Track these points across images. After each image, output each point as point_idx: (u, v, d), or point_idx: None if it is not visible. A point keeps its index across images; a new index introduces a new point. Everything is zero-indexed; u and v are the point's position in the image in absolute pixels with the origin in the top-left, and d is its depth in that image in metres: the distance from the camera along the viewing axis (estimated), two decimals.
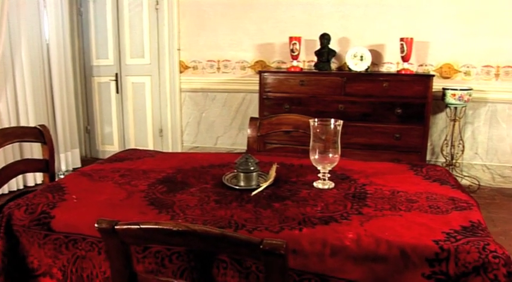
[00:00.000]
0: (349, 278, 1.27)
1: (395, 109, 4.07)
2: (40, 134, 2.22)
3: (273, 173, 1.81)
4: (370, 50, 4.35)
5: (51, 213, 1.53)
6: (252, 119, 2.48)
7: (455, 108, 4.14)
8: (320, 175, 1.77)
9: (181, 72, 5.02)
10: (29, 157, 3.94)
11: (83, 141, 5.26)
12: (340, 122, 1.74)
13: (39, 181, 4.25)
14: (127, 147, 5.19)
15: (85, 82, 5.17)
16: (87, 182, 1.83)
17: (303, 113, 4.28)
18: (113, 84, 5.04)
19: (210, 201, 1.59)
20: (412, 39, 4.12)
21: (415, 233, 1.35)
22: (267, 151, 2.45)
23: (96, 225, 1.10)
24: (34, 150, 4.13)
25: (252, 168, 1.74)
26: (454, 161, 4.27)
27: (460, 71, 4.30)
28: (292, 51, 4.49)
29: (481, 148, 4.36)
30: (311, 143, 1.77)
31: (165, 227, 1.04)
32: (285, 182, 1.80)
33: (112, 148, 5.20)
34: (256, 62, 4.88)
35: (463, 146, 4.27)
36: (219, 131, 5.13)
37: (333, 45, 4.49)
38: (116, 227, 1.08)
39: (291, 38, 4.46)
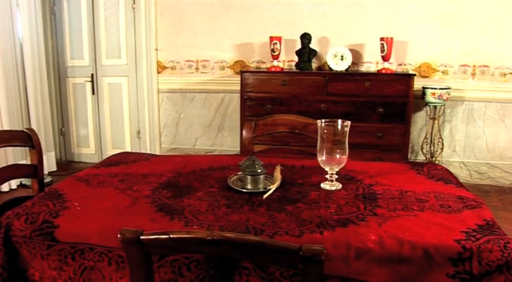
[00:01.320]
0: (374, 280, 1.26)
1: (377, 108, 4.11)
2: (28, 138, 2.11)
3: (278, 175, 1.78)
4: (350, 50, 4.38)
5: (54, 222, 1.45)
6: (246, 120, 2.44)
7: (435, 107, 4.22)
8: (327, 176, 1.75)
9: (159, 72, 4.92)
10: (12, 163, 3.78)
11: (57, 143, 5.08)
12: (348, 122, 1.73)
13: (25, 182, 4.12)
14: (104, 150, 5.08)
15: (59, 83, 4.99)
16: (86, 188, 1.75)
17: (285, 113, 4.29)
18: (89, 85, 4.89)
19: (220, 206, 1.55)
20: (392, 38, 4.17)
21: (435, 233, 1.35)
22: (263, 152, 2.42)
23: (119, 236, 1.04)
24: (9, 156, 3.96)
25: (259, 170, 1.71)
26: (433, 158, 4.35)
27: (438, 70, 4.39)
28: (272, 51, 4.47)
29: (458, 146, 4.46)
30: (318, 144, 1.75)
31: (198, 236, 0.99)
32: (291, 184, 1.78)
33: (88, 150, 5.05)
34: (236, 62, 4.83)
35: (442, 144, 4.36)
36: (198, 132, 5.06)
37: (312, 45, 4.49)
38: (141, 237, 1.02)
39: (271, 38, 4.44)
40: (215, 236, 0.97)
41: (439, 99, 4.08)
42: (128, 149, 5.00)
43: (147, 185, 1.76)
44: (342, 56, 4.43)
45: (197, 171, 1.96)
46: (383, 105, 4.10)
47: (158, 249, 1.06)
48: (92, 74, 4.86)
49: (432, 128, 4.32)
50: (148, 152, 5.03)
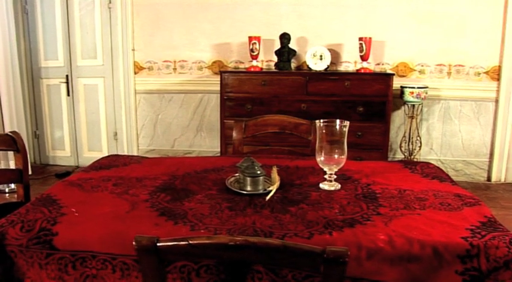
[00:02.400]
0: (386, 279, 1.26)
1: (357, 107, 4.16)
2: (12, 142, 2.03)
3: (276, 176, 1.77)
4: (329, 50, 4.41)
5: (52, 229, 1.39)
6: (236, 121, 2.42)
7: (413, 105, 4.30)
8: (326, 176, 1.75)
9: (135, 73, 4.83)
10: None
11: (31, 146, 4.92)
12: (347, 123, 1.73)
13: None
14: (80, 152, 4.95)
15: (33, 84, 4.83)
16: (80, 193, 1.69)
17: (265, 113, 4.27)
18: (64, 86, 4.75)
19: (223, 209, 1.52)
20: (370, 38, 4.22)
21: (441, 231, 1.36)
22: (254, 153, 2.40)
23: (134, 243, 1.00)
24: None
25: (258, 172, 1.69)
26: (411, 157, 4.43)
27: (415, 70, 4.47)
28: (252, 51, 4.46)
29: (435, 144, 4.56)
30: (317, 144, 1.75)
31: (220, 242, 0.96)
32: (290, 185, 1.77)
33: (63, 153, 4.91)
34: (214, 62, 4.80)
35: (420, 142, 4.44)
36: (176, 133, 4.99)
37: (291, 45, 4.50)
38: (158, 244, 0.99)
39: (250, 38, 4.42)
40: (238, 241, 0.95)
41: (417, 98, 4.16)
42: (105, 151, 4.89)
43: (143, 189, 1.72)
44: (321, 56, 4.46)
45: (192, 174, 1.92)
46: (363, 104, 4.15)
47: (175, 256, 1.03)
48: (67, 75, 4.72)
49: (410, 126, 4.40)
50: (126, 153, 4.94)
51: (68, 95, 4.77)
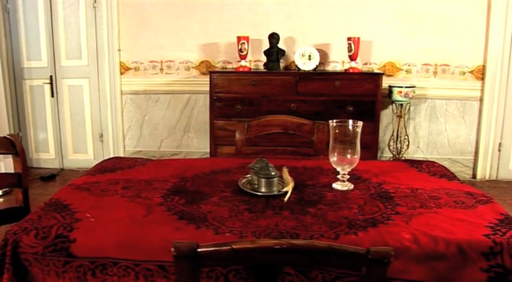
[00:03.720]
0: (414, 278, 1.26)
1: (346, 107, 4.18)
2: (11, 145, 1.96)
3: (288, 177, 1.76)
4: (316, 50, 4.43)
5: (69, 236, 1.34)
6: (238, 121, 2.40)
7: (401, 105, 4.36)
8: (339, 176, 1.75)
9: (122, 73, 4.75)
10: None
11: None
12: (360, 123, 1.73)
13: None
14: (64, 155, 4.84)
15: (15, 85, 4.68)
16: (90, 197, 1.64)
17: (255, 113, 4.29)
18: (47, 87, 4.63)
19: (242, 211, 1.50)
20: (359, 38, 4.25)
21: (462, 229, 1.38)
22: (257, 154, 2.38)
23: (172, 249, 0.97)
24: None
25: (273, 173, 1.68)
26: (399, 155, 4.49)
27: (402, 69, 4.53)
28: (240, 51, 4.44)
29: (422, 142, 4.63)
30: (330, 144, 1.75)
31: (265, 246, 0.94)
32: (304, 186, 1.76)
33: (48, 156, 4.79)
34: (201, 62, 4.76)
35: (408, 141, 4.51)
36: (163, 134, 4.94)
37: (279, 45, 4.50)
38: (198, 250, 0.96)
39: (239, 38, 4.40)
40: (284, 245, 0.93)
41: (405, 97, 4.22)
42: (91, 153, 4.82)
43: (155, 192, 1.68)
44: (309, 56, 4.47)
45: (201, 176, 1.89)
46: (352, 104, 4.18)
47: (215, 262, 1.01)
48: (51, 76, 4.61)
49: (398, 125, 4.46)
50: (112, 155, 4.86)
51: (52, 96, 4.65)
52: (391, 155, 4.51)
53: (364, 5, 4.46)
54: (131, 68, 4.76)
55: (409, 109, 4.49)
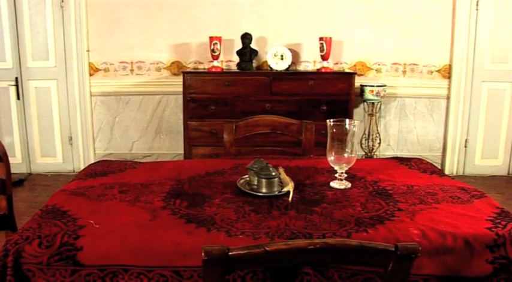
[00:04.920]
0: (426, 272, 1.30)
1: (320, 106, 4.24)
2: None
3: (286, 177, 1.76)
4: (288, 49, 4.47)
5: (76, 244, 1.30)
6: (226, 122, 2.38)
7: (373, 103, 4.46)
8: (337, 175, 1.77)
9: (91, 75, 4.63)
10: None
11: None
12: (356, 122, 1.76)
13: None
14: (32, 159, 4.67)
15: None
16: (87, 202, 1.59)
17: (229, 113, 4.29)
18: (13, 89, 4.43)
19: (248, 212, 1.49)
20: (331, 38, 4.32)
21: (465, 223, 1.42)
22: (246, 155, 2.37)
23: (203, 254, 0.95)
24: None
25: (273, 173, 1.68)
26: (371, 153, 4.59)
27: (372, 69, 4.63)
28: (213, 51, 4.41)
29: (392, 140, 4.75)
30: (328, 144, 1.77)
31: (299, 246, 0.94)
32: (303, 185, 1.77)
33: (14, 160, 4.59)
34: (172, 62, 4.70)
35: (380, 139, 4.61)
36: (134, 136, 4.85)
37: (251, 45, 4.51)
38: (230, 253, 0.95)
39: (211, 38, 4.38)
40: (317, 244, 0.94)
41: (376, 96, 4.32)
42: (59, 157, 4.69)
43: (154, 195, 1.65)
44: (282, 56, 4.50)
45: (196, 178, 1.87)
46: (326, 103, 4.23)
47: (246, 265, 1.00)
48: (16, 78, 4.42)
49: (370, 124, 4.55)
50: (82, 158, 4.74)
51: (18, 98, 4.46)
52: (363, 153, 4.60)
53: (334, 6, 4.53)
54: (101, 69, 4.64)
55: (380, 108, 4.60)
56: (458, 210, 1.53)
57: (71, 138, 4.67)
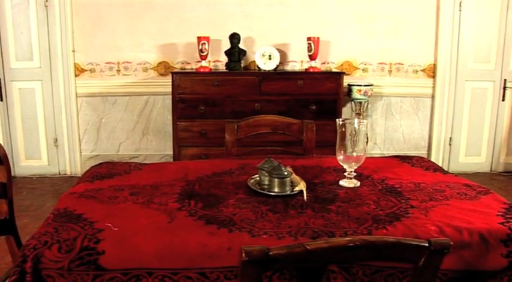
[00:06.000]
0: (445, 267, 1.32)
1: (309, 106, 4.27)
2: None
3: (295, 176, 1.78)
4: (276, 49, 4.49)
5: (97, 248, 1.28)
6: (227, 122, 2.38)
7: (360, 102, 4.52)
8: (346, 174, 1.80)
9: (76, 75, 4.55)
10: None
11: None
12: (365, 121, 1.79)
13: None
14: (16, 161, 4.58)
15: None
16: (100, 205, 1.56)
17: (219, 113, 4.29)
18: None
19: (265, 212, 1.50)
20: (318, 38, 4.35)
21: (478, 218, 1.46)
22: (249, 154, 2.38)
23: (243, 254, 0.95)
24: None
25: (285, 173, 1.69)
26: None
27: (358, 68, 4.69)
28: (201, 51, 4.39)
29: (379, 138, 4.83)
30: (337, 143, 1.79)
31: (339, 244, 0.96)
32: (313, 185, 1.78)
33: None
34: (159, 63, 4.66)
35: (367, 138, 4.67)
36: (121, 137, 4.78)
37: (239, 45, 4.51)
38: (270, 253, 0.96)
39: (199, 38, 4.36)
40: (357, 242, 0.95)
41: (364, 95, 4.38)
42: (45, 159, 4.60)
43: (167, 197, 1.63)
44: (269, 56, 4.52)
45: (205, 178, 1.87)
46: (315, 102, 4.27)
47: (285, 264, 1.00)
48: (0, 79, 4.31)
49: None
50: (67, 160, 4.66)
51: (1, 100, 4.35)
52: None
53: (321, 6, 4.57)
54: (86, 70, 4.57)
55: (367, 107, 4.66)
56: (469, 206, 1.57)
57: (56, 140, 4.58)
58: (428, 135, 4.81)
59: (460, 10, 4.51)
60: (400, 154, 4.75)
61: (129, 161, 4.40)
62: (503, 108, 4.72)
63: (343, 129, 1.77)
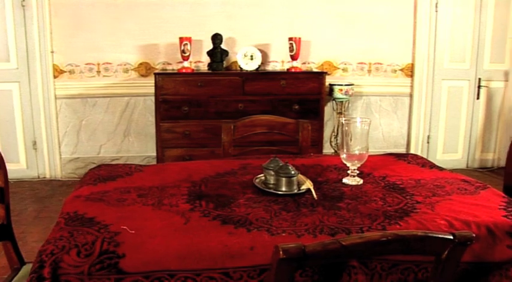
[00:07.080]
0: None
1: (292, 106, 4.31)
2: None
3: (301, 175, 1.80)
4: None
5: (117, 251, 1.27)
6: (224, 123, 2.39)
7: (341, 102, 4.59)
8: (349, 172, 1.83)
9: (55, 77, 4.45)
10: None
11: None
12: (368, 120, 1.83)
13: None
14: None
15: None
16: (110, 208, 1.55)
17: (203, 114, 4.28)
18: None
19: (278, 211, 1.52)
20: (300, 38, 4.41)
21: (482, 212, 1.52)
22: (246, 154, 2.39)
23: (281, 252, 0.97)
24: None
25: (292, 172, 1.71)
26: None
27: (338, 68, 4.77)
28: (183, 52, 4.38)
29: None
30: (340, 141, 1.82)
31: (373, 239, 0.98)
32: (318, 183, 1.81)
33: None
34: (140, 64, 4.62)
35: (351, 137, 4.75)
36: (102, 139, 4.71)
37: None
38: (306, 250, 0.98)
39: (181, 39, 4.34)
40: (389, 236, 0.98)
41: (345, 94, 4.45)
42: (23, 163, 4.51)
43: (176, 198, 1.63)
44: (251, 56, 4.54)
45: (209, 179, 1.87)
46: (298, 102, 4.32)
47: (318, 261, 1.02)
48: None
49: (339, 122, 4.68)
50: (47, 163, 4.56)
51: None
52: (333, 151, 4.72)
53: (301, 6, 4.62)
54: (66, 71, 4.48)
55: (347, 106, 4.74)
56: (471, 201, 1.63)
57: (35, 143, 4.47)
58: (407, 133, 4.94)
59: (436, 11, 4.65)
60: (381, 152, 4.94)
61: (111, 162, 4.36)
62: (478, 106, 4.90)
63: (346, 128, 1.81)
